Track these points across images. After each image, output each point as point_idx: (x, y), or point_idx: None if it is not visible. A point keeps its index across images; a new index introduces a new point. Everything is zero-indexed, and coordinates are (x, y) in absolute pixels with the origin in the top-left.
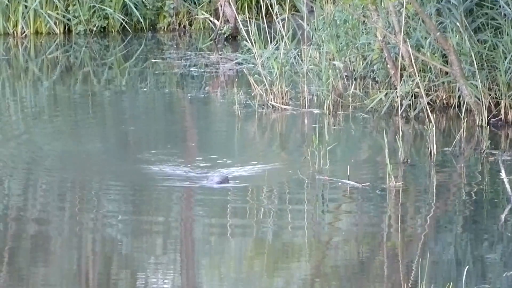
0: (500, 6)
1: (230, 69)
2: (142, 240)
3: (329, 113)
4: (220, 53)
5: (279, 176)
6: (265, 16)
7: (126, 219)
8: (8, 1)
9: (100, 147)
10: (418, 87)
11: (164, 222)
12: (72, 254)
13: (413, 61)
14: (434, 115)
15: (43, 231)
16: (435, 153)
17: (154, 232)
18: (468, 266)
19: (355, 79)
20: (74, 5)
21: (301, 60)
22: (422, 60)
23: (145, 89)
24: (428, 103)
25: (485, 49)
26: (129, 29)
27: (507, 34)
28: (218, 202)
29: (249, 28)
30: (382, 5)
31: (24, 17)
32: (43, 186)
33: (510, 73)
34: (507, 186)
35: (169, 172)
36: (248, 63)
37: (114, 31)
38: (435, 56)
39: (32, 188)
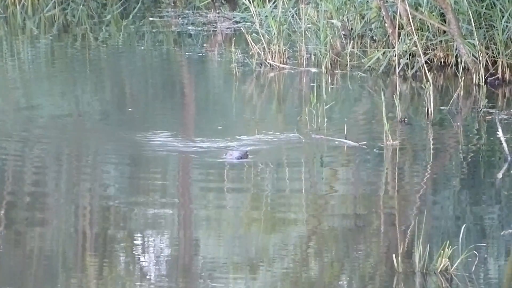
0: None
1: (227, 28)
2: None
3: (326, 72)
4: (217, 11)
5: (276, 136)
6: None
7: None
8: None
9: (97, 107)
10: (416, 46)
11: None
12: (76, 215)
13: (410, 19)
14: (432, 74)
15: (40, 192)
16: (432, 111)
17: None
18: (465, 225)
19: (353, 38)
20: None
21: (299, 19)
22: (420, 19)
23: (142, 47)
24: (426, 62)
25: (482, 7)
26: None
27: None
28: (218, 166)
29: None
30: None
31: None
32: (39, 146)
33: (507, 32)
34: (504, 144)
35: (171, 141)
36: (246, 22)
37: None
38: (433, 15)
39: (28, 149)
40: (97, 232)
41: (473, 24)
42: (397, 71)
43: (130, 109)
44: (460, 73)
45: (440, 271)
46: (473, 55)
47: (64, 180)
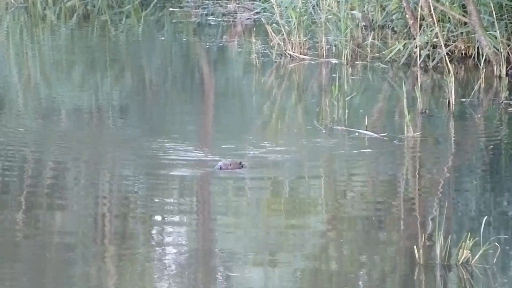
0: None
1: (247, 19)
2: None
3: (347, 63)
4: (237, 2)
5: (297, 126)
6: None
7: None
8: None
9: (115, 100)
10: (437, 37)
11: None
12: (88, 209)
13: (432, 11)
14: (453, 66)
15: (58, 186)
16: (453, 103)
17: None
18: (486, 217)
19: (374, 29)
20: None
21: (320, 10)
22: (441, 10)
23: (162, 38)
24: (447, 54)
25: None
26: None
27: None
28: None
29: None
30: None
31: None
32: (58, 135)
33: None
34: None
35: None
36: (266, 12)
37: None
38: (454, 6)
39: (47, 139)
40: (110, 234)
41: (494, 16)
42: (418, 62)
43: (148, 103)
44: (482, 65)
45: (462, 263)
46: (494, 47)
47: (73, 182)
